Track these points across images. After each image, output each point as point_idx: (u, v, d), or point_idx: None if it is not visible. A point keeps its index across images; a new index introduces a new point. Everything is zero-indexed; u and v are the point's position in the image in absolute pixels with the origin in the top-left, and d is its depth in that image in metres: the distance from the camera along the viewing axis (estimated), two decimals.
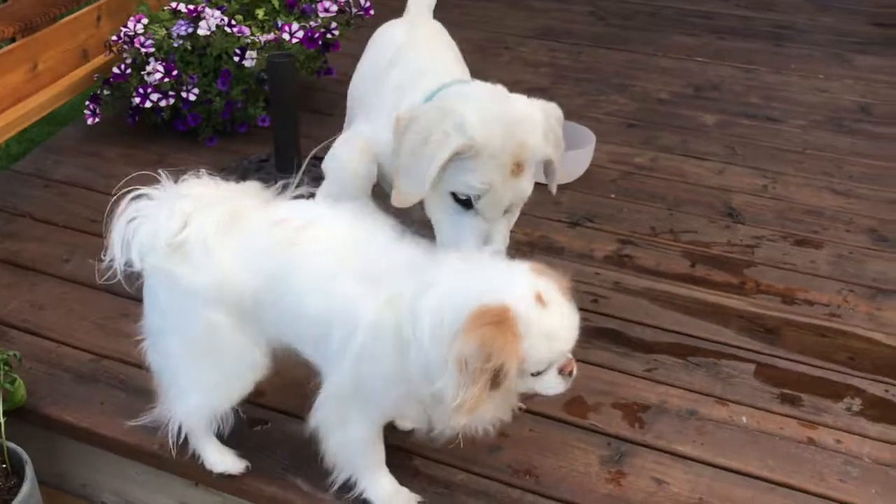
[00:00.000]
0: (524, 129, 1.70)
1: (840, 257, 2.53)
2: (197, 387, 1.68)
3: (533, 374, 1.45)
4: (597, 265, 2.49)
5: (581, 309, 2.23)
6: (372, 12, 3.29)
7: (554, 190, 1.89)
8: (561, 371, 1.47)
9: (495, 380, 1.37)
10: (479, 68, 3.66)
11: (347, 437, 1.63)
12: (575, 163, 2.87)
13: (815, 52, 3.99)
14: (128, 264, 1.62)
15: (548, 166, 1.83)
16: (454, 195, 1.72)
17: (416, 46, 2.06)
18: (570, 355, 1.47)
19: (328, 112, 3.28)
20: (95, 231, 2.61)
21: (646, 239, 2.62)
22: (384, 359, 1.49)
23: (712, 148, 3.13)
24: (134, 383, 2.03)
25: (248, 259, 1.58)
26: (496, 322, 1.36)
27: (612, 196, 2.84)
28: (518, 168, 1.70)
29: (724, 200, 2.81)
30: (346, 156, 1.94)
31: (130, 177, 1.66)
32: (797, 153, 3.10)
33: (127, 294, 2.31)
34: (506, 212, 1.75)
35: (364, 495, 1.70)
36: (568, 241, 2.60)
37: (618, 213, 2.75)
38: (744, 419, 1.95)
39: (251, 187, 1.70)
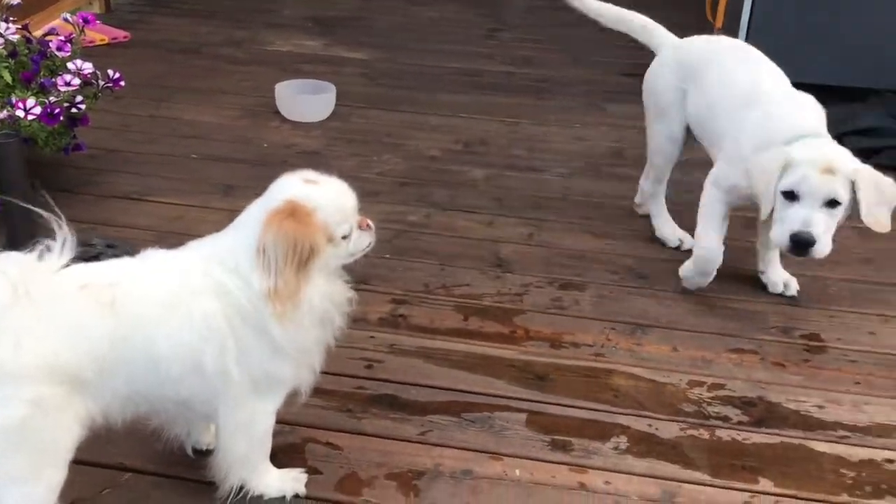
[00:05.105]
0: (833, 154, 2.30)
1: (602, 297, 2.64)
2: (15, 482, 1.48)
3: (343, 238, 1.67)
4: (371, 328, 2.44)
5: (355, 376, 2.23)
6: (122, 83, 3.11)
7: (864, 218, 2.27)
8: (360, 227, 1.72)
9: (308, 260, 1.58)
10: (251, 134, 3.63)
11: (258, 431, 1.73)
12: (322, 105, 3.84)
13: (572, 102, 4.25)
14: None
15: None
16: (784, 193, 2.28)
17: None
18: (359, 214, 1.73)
19: (77, 190, 3.05)
20: None
21: (420, 296, 2.60)
22: (260, 333, 1.61)
23: (481, 201, 3.21)
24: None
25: (76, 328, 1.49)
26: (288, 214, 1.58)
27: (387, 256, 2.81)
28: (828, 170, 2.22)
29: (494, 251, 2.87)
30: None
31: None
32: (559, 200, 3.24)
33: None
34: (826, 206, 2.24)
35: (257, 491, 1.79)
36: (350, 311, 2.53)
37: (392, 273, 2.72)
38: (517, 472, 1.94)
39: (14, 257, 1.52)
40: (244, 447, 1.74)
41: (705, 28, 5.14)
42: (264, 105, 3.92)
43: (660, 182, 2.96)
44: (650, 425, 2.11)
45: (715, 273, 2.60)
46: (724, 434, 2.09)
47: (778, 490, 1.92)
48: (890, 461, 2.02)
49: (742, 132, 2.47)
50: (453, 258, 2.82)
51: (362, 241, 1.74)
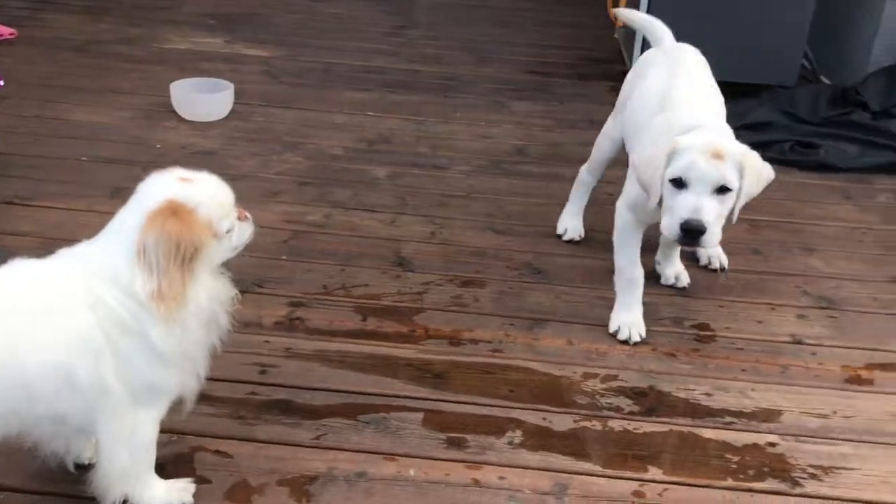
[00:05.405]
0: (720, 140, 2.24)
1: (502, 293, 2.65)
2: None
3: (227, 232, 1.66)
4: (266, 333, 2.39)
5: (248, 382, 2.18)
6: (2, 83, 2.97)
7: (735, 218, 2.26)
8: (240, 219, 1.71)
9: (192, 258, 1.55)
10: (145, 134, 3.52)
11: (140, 442, 1.67)
12: (220, 103, 3.76)
13: (478, 100, 4.26)
14: None
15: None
16: (672, 181, 2.19)
17: None
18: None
19: None
20: None
21: (318, 298, 2.57)
22: (141, 343, 1.56)
23: (384, 200, 3.19)
24: None
25: None
26: (170, 214, 1.54)
27: (284, 258, 2.76)
28: (717, 155, 2.16)
29: (395, 250, 2.85)
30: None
31: None
32: (462, 198, 3.25)
33: None
34: (716, 193, 2.18)
35: None
36: (234, 310, 2.46)
37: (290, 275, 2.67)
38: (412, 472, 1.93)
39: None
40: (126, 460, 1.68)
41: (610, 27, 5.24)
42: (160, 105, 3.80)
43: (590, 173, 2.95)
44: (544, 418, 2.13)
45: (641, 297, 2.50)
46: (616, 424, 2.12)
47: (666, 478, 1.96)
48: (772, 444, 2.09)
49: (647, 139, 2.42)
50: (353, 258, 2.80)
51: (244, 233, 1.74)
